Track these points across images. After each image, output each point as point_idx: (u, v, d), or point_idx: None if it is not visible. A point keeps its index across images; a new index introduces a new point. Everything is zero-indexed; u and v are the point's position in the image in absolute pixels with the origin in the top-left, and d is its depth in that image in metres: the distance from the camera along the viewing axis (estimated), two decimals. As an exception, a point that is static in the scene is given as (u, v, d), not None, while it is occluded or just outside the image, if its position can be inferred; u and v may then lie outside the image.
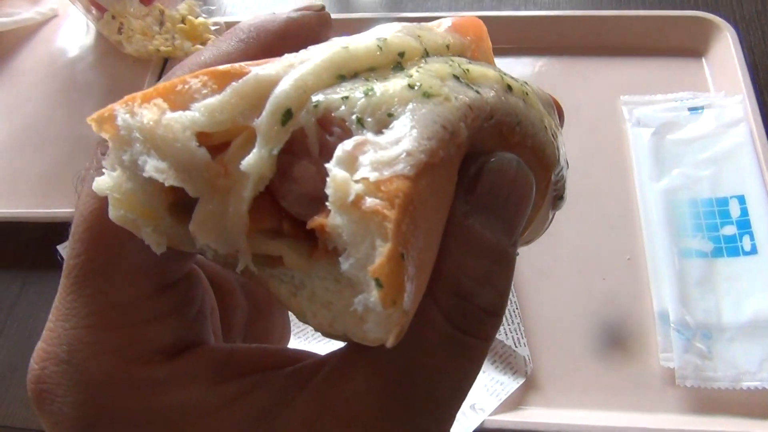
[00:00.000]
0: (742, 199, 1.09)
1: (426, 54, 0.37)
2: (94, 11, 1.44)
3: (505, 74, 0.40)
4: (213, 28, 1.39)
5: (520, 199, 0.35)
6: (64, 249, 1.18)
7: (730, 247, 1.06)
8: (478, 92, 0.34)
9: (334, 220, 0.28)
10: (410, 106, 0.31)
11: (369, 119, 0.30)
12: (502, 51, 1.41)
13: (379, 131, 0.30)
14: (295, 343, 1.02)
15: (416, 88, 0.32)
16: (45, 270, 1.25)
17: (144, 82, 1.39)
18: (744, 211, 1.08)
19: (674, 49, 1.33)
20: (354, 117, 0.30)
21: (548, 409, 0.98)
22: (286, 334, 0.54)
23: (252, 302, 0.51)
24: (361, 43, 0.34)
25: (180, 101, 0.32)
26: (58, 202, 1.28)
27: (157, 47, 1.38)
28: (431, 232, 0.31)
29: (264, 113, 0.31)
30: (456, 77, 0.34)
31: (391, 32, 0.37)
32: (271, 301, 0.53)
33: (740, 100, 1.18)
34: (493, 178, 0.34)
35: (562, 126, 0.48)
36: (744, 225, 1.07)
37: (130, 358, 0.35)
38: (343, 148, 0.29)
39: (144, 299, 0.36)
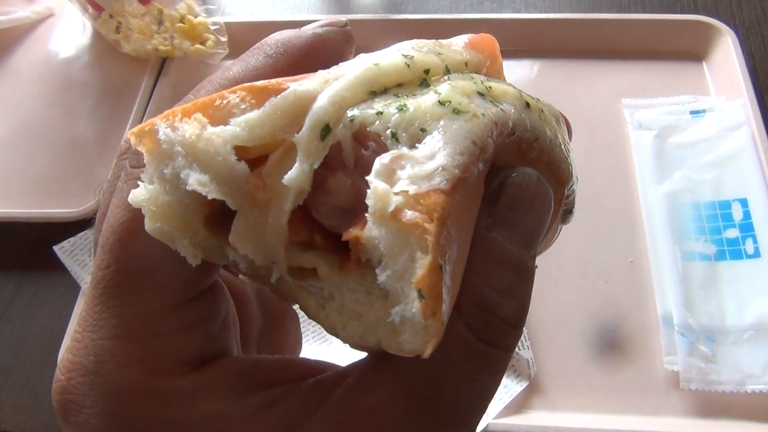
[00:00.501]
0: (744, 202, 1.09)
1: (447, 71, 0.39)
2: (90, 10, 1.42)
3: (522, 91, 0.41)
4: (212, 27, 1.38)
5: (540, 213, 0.36)
6: (60, 250, 1.16)
7: (733, 250, 1.06)
8: (501, 109, 0.35)
9: (371, 231, 0.29)
10: (442, 122, 0.32)
11: (403, 134, 0.32)
12: (502, 54, 1.41)
13: (413, 146, 0.31)
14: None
15: (447, 105, 0.33)
16: (40, 271, 1.23)
17: (141, 82, 1.38)
18: (746, 214, 1.08)
19: (675, 52, 1.33)
20: (389, 132, 0.32)
21: (552, 413, 0.98)
22: (298, 345, 0.54)
23: (266, 313, 0.51)
24: (390, 60, 0.36)
25: (219, 116, 0.33)
26: (54, 202, 1.26)
27: (156, 47, 1.37)
28: (462, 244, 0.32)
29: (304, 128, 0.32)
30: (480, 94, 0.35)
31: (413, 49, 0.38)
32: (285, 312, 0.53)
33: (742, 104, 1.18)
34: (515, 192, 0.35)
35: (570, 140, 0.48)
36: (747, 228, 1.07)
37: (156, 369, 0.35)
38: (381, 161, 0.30)
39: (171, 311, 0.36)
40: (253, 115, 0.32)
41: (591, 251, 1.12)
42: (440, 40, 0.42)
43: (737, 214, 1.08)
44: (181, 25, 1.37)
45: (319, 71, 0.35)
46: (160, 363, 0.35)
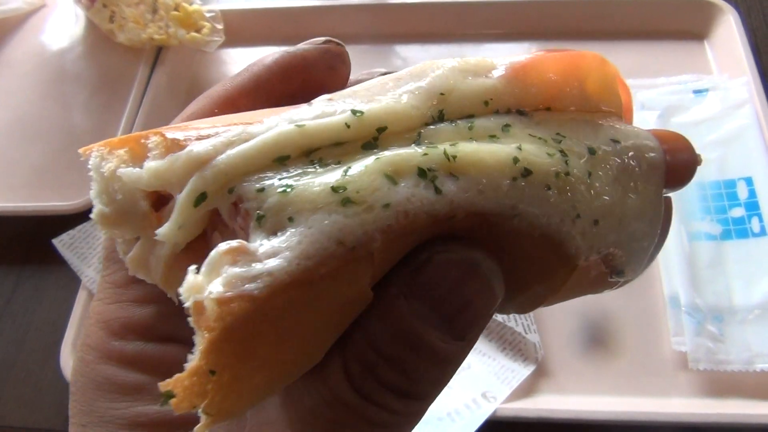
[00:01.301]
0: (749, 181, 1.08)
1: (439, 118, 0.37)
2: (83, 0, 1.40)
3: (552, 149, 0.37)
4: (208, 15, 1.36)
5: (466, 301, 0.35)
6: (60, 243, 1.14)
7: (738, 229, 1.05)
8: (439, 192, 0.33)
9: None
10: (317, 215, 0.31)
11: (270, 219, 0.31)
12: (498, 36, 1.40)
13: (273, 233, 0.31)
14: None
15: (340, 191, 0.32)
16: (40, 264, 1.22)
17: (137, 72, 1.36)
18: (752, 193, 1.07)
19: (676, 32, 1.32)
20: (257, 213, 0.32)
21: (560, 396, 0.97)
22: None
23: None
24: (323, 121, 0.35)
25: (140, 153, 0.35)
26: (52, 195, 1.24)
27: (151, 35, 1.35)
28: (313, 328, 0.33)
29: (183, 192, 0.33)
30: (422, 172, 0.33)
31: (396, 84, 0.38)
32: None
33: (745, 82, 1.17)
34: (434, 272, 0.34)
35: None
36: (752, 207, 1.06)
37: (113, 330, 0.41)
38: (218, 249, 0.31)
39: (131, 283, 0.41)
40: (155, 164, 0.34)
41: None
42: (478, 62, 0.40)
43: (742, 192, 1.08)
44: (176, 13, 1.35)
45: (233, 128, 0.35)
46: (116, 326, 0.41)
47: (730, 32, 1.25)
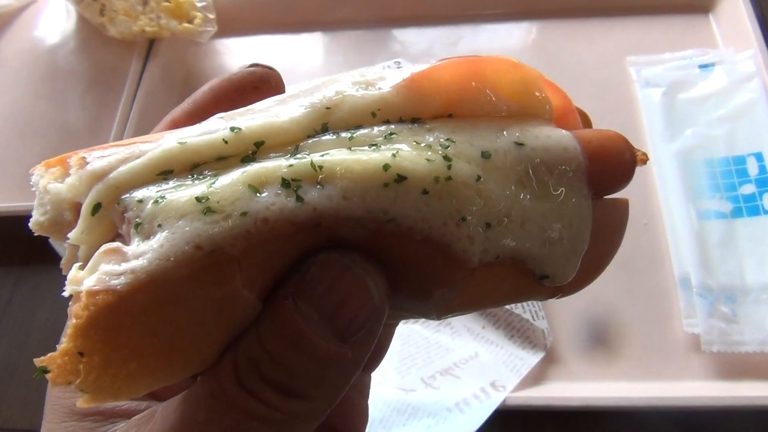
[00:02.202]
0: (759, 156, 1.05)
1: (323, 130, 0.40)
2: (73, -6, 1.37)
3: (430, 155, 0.38)
4: (199, 5, 1.33)
5: (342, 299, 0.37)
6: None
7: (750, 207, 1.02)
8: (301, 200, 0.36)
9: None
10: (180, 222, 0.35)
11: (145, 226, 0.36)
12: (497, 17, 1.37)
13: (146, 237, 0.35)
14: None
15: (203, 201, 0.36)
16: (39, 265, 1.21)
17: (130, 66, 1.33)
18: (762, 169, 1.04)
19: (680, 5, 1.28)
20: (137, 220, 0.36)
21: (571, 383, 0.95)
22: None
23: None
24: (203, 138, 0.39)
25: (67, 171, 0.40)
26: (48, 194, 1.22)
27: (142, 28, 1.32)
28: (190, 326, 0.36)
29: (84, 202, 0.38)
30: (285, 182, 0.37)
31: (285, 107, 0.41)
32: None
33: (751, 55, 1.14)
34: (315, 272, 0.37)
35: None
36: (763, 183, 1.03)
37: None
38: (99, 250, 0.36)
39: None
40: (69, 179, 0.39)
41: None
42: (373, 75, 0.43)
43: (753, 168, 1.05)
44: (167, 4, 1.32)
45: (136, 145, 0.40)
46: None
47: (735, 4, 1.21)
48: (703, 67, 1.16)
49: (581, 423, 0.94)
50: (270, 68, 0.49)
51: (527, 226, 0.40)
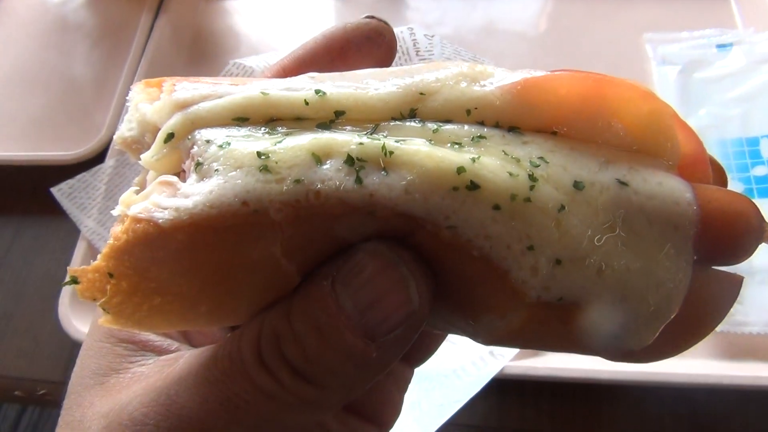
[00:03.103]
0: (774, 139, 1.04)
1: (411, 116, 0.38)
2: (85, -54, 1.36)
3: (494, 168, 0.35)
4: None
5: (379, 295, 0.36)
6: (58, 192, 1.11)
7: (761, 188, 1.00)
8: (360, 181, 0.34)
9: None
10: (235, 173, 0.34)
11: (204, 167, 0.35)
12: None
13: (202, 179, 0.35)
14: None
15: (262, 158, 0.35)
16: (39, 215, 1.20)
17: (139, 21, 1.32)
18: (776, 151, 1.03)
19: (700, -16, 1.26)
20: (198, 159, 0.36)
21: (569, 355, 0.94)
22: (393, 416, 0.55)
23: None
24: (285, 94, 0.38)
25: (159, 94, 0.40)
26: (51, 145, 1.21)
27: (153, -18, 1.30)
28: (219, 277, 0.36)
29: (162, 128, 0.38)
30: (350, 159, 0.34)
31: (377, 79, 0.39)
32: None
33: (771, 37, 1.12)
34: (359, 260, 0.36)
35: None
36: (776, 165, 1.01)
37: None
38: (158, 179, 0.36)
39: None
40: (158, 103, 0.39)
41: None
42: (482, 68, 0.39)
43: (766, 150, 1.03)
44: (180, -41, 1.30)
45: (221, 85, 0.39)
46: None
47: (757, -16, 1.19)
48: (720, 46, 1.14)
49: (578, 396, 0.93)
50: (384, 22, 0.47)
51: (605, 274, 0.36)
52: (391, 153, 0.34)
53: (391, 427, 0.53)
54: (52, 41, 1.39)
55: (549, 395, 0.94)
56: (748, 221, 0.38)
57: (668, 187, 0.37)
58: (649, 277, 0.36)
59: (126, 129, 0.40)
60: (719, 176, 0.42)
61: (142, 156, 0.38)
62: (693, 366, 0.91)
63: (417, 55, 1.06)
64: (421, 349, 0.57)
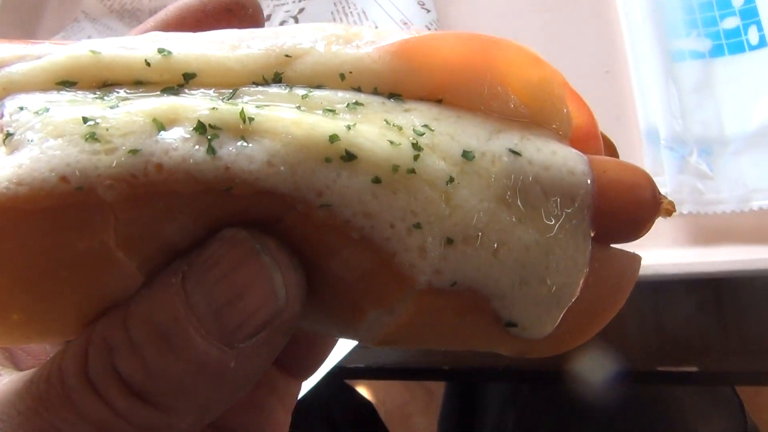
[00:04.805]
0: (746, -17, 0.87)
1: (275, 81, 0.34)
2: None
3: (394, 137, 0.32)
4: None
5: (239, 292, 0.31)
6: None
7: (732, 43, 0.85)
8: (213, 152, 0.30)
9: None
10: (53, 143, 0.29)
11: (15, 138, 0.30)
12: None
13: (11, 152, 0.30)
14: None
15: (89, 124, 0.30)
16: None
17: None
18: (749, -3, 0.87)
19: None
20: (11, 127, 0.31)
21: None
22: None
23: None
24: (121, 52, 0.33)
25: None
26: None
27: None
28: (40, 270, 0.30)
29: None
30: (201, 126, 0.30)
31: (231, 44, 0.35)
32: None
33: None
34: (215, 249, 0.31)
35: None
36: (749, 14, 0.86)
37: None
38: None
39: None
40: None
41: (554, 64, 0.91)
42: (356, 30, 0.36)
43: (737, -1, 0.87)
44: None
45: (48, 44, 0.34)
46: None
47: None
48: None
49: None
50: None
51: (501, 254, 0.33)
52: (252, 119, 0.31)
53: None
54: None
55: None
56: (644, 192, 0.37)
57: (562, 156, 0.36)
58: (548, 255, 0.35)
59: None
60: (610, 151, 0.41)
61: None
62: (658, 255, 0.77)
63: None
64: (308, 357, 0.50)
